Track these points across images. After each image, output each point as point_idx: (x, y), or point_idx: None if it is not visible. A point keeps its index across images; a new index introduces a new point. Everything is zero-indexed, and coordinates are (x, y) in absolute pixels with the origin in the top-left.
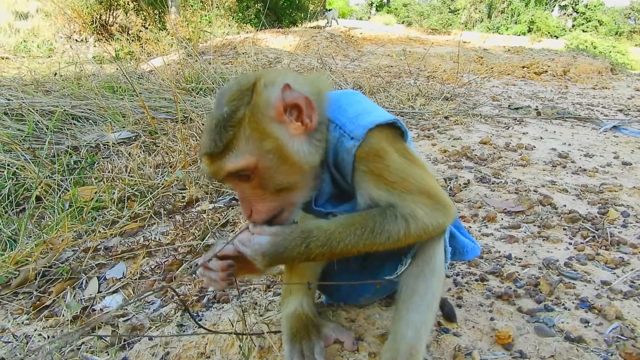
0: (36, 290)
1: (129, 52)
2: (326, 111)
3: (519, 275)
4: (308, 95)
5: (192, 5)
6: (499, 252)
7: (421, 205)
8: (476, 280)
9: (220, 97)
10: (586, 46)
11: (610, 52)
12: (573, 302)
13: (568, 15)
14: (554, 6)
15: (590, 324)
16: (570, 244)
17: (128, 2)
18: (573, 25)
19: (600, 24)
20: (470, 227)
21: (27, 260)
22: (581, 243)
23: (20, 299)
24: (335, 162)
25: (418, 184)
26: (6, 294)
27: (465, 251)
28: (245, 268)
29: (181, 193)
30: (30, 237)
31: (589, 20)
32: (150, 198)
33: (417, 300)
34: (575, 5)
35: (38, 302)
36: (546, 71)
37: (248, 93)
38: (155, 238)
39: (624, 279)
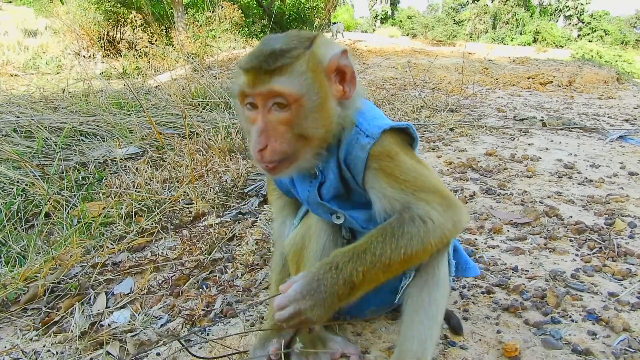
0: (45, 307)
1: (136, 68)
2: (356, 106)
3: (525, 287)
4: (355, 76)
5: (198, 21)
6: (505, 264)
7: (435, 205)
8: (482, 292)
9: (270, 39)
10: (592, 56)
11: (616, 61)
12: (580, 314)
13: (573, 25)
14: (559, 16)
15: (597, 336)
16: (576, 255)
17: (135, 18)
18: (579, 35)
19: (605, 34)
20: (476, 239)
21: (36, 276)
22: (588, 254)
23: (29, 315)
24: (347, 159)
25: (430, 183)
26: (15, 310)
27: (467, 267)
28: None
29: (188, 208)
30: (39, 253)
31: (595, 30)
32: (158, 213)
33: (422, 313)
34: (580, 15)
35: (47, 318)
36: (551, 81)
37: (308, 42)
38: (162, 253)
39: (631, 290)
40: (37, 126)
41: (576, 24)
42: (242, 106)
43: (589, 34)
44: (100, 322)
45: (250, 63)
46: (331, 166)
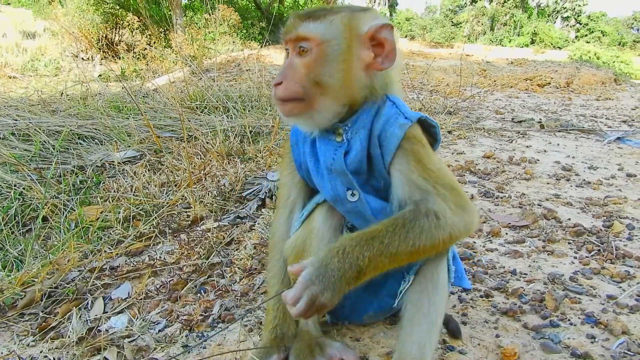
0: (42, 312)
1: (134, 70)
2: (395, 85)
3: (524, 290)
4: (398, 51)
5: (196, 23)
6: (504, 267)
7: (451, 204)
8: (481, 296)
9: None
10: (589, 57)
11: (614, 62)
12: (579, 318)
13: (571, 27)
14: (557, 18)
15: (596, 340)
16: (575, 258)
17: (134, 21)
18: (576, 37)
19: (603, 35)
20: (474, 242)
21: (34, 281)
22: (586, 257)
23: (26, 320)
24: (381, 135)
25: (450, 180)
26: (12, 315)
27: (462, 276)
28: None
29: (186, 212)
30: (36, 257)
31: (592, 31)
32: (156, 217)
33: (421, 318)
34: (578, 16)
35: (44, 324)
36: (549, 83)
37: (358, 9)
38: (160, 257)
39: (629, 293)
40: (35, 129)
41: (573, 26)
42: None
43: (586, 35)
44: (98, 328)
45: (294, 13)
46: (360, 137)
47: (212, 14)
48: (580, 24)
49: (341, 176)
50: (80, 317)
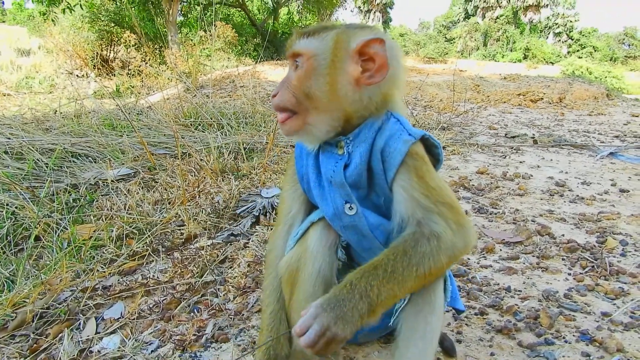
0: (33, 333)
1: (129, 87)
2: (393, 103)
3: (518, 308)
4: (391, 68)
5: (191, 40)
6: (498, 284)
7: (451, 223)
8: (476, 314)
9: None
10: (582, 72)
11: (606, 77)
12: (573, 335)
13: (563, 42)
14: (549, 33)
15: (591, 358)
16: (569, 274)
17: (129, 38)
18: (568, 52)
19: (595, 50)
20: (468, 259)
21: (25, 301)
22: (580, 273)
23: (17, 342)
24: (384, 151)
25: (450, 198)
26: (3, 337)
27: (456, 297)
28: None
29: (179, 230)
30: (28, 277)
31: (584, 47)
32: (149, 235)
33: (417, 337)
34: (570, 32)
35: (35, 345)
36: (542, 98)
37: (356, 26)
38: (153, 276)
39: (624, 310)
40: (28, 147)
41: (565, 41)
42: None
43: (578, 51)
44: (90, 349)
45: (295, 30)
46: (361, 150)
47: (208, 31)
48: (572, 39)
49: (340, 189)
50: (72, 338)
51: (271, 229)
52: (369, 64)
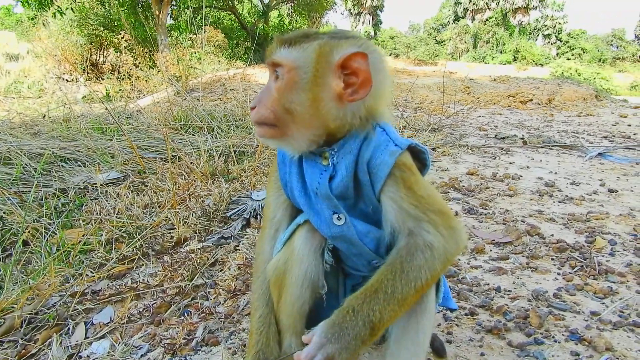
0: (21, 339)
1: (119, 91)
2: (378, 115)
3: (508, 308)
4: (375, 82)
5: (182, 43)
6: (488, 284)
7: (442, 229)
8: (466, 314)
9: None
10: (571, 73)
11: (594, 78)
12: (563, 335)
13: (552, 44)
14: (538, 35)
15: (580, 357)
16: (558, 274)
17: (119, 42)
18: (557, 54)
19: (583, 52)
20: (459, 259)
21: (13, 307)
22: (569, 273)
23: (4, 348)
24: (371, 163)
25: (439, 204)
26: None
27: (448, 296)
28: None
29: (169, 233)
30: (16, 283)
31: (573, 49)
32: (139, 239)
33: (409, 340)
34: (559, 34)
35: (23, 351)
36: (532, 100)
37: (340, 36)
38: (143, 280)
39: (612, 309)
40: (16, 152)
41: (554, 43)
42: None
43: (567, 52)
44: (79, 354)
45: (276, 37)
46: (346, 162)
47: (198, 34)
48: (561, 41)
49: (327, 200)
50: (60, 343)
51: None
52: (352, 78)
